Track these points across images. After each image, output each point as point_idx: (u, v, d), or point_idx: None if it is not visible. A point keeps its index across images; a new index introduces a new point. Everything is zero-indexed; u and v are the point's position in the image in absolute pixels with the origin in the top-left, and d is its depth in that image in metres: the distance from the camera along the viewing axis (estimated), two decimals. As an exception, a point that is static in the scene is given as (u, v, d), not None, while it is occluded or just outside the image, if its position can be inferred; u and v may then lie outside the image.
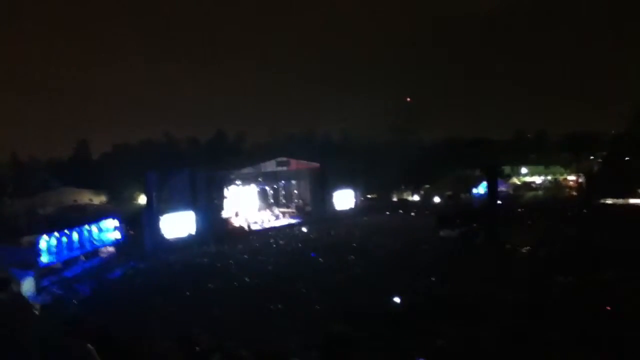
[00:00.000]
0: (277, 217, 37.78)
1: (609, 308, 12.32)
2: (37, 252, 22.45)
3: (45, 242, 23.06)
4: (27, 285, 20.20)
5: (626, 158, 44.91)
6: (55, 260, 23.68)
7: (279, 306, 15.98)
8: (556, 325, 11.41)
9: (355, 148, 50.07)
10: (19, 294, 19.35)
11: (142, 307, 17.06)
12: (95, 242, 26.77)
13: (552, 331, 11.05)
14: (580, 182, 48.45)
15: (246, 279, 20.43)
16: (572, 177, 51.23)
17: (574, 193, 46.68)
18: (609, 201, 38.17)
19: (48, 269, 23.16)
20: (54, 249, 23.60)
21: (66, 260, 24.51)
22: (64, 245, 24.32)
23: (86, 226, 26.40)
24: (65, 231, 24.60)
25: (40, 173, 49.05)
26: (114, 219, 28.70)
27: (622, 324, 10.97)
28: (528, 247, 22.56)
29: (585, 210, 33.97)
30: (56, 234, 23.90)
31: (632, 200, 37.66)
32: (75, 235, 25.23)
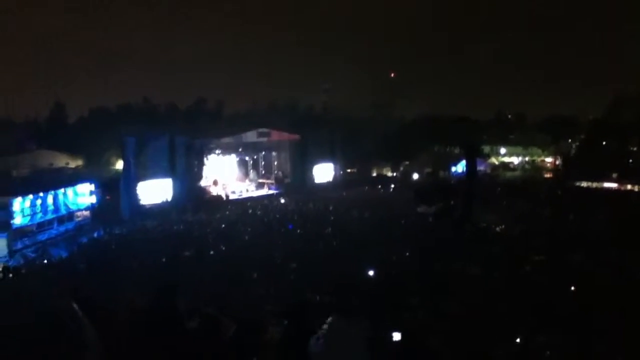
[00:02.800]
0: (256, 188, 37.71)
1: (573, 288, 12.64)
2: (11, 214, 22.14)
3: (19, 203, 22.73)
4: (0, 247, 20.01)
5: (603, 142, 45.70)
6: (28, 223, 23.39)
7: (254, 275, 16.03)
8: (523, 301, 11.70)
9: (337, 120, 49.87)
10: None
11: (117, 271, 16.95)
12: (70, 206, 26.45)
13: (518, 306, 11.34)
14: (557, 164, 49.24)
15: (222, 247, 20.43)
16: (549, 159, 52.00)
17: (550, 175, 47.45)
18: (584, 184, 38.89)
19: (21, 231, 22.90)
20: (28, 211, 23.29)
21: (40, 223, 24.23)
22: (38, 207, 24.00)
23: (61, 189, 26.05)
24: (40, 194, 24.25)
25: (15, 134, 47.89)
26: (90, 183, 28.35)
27: (583, 303, 11.32)
28: (502, 226, 22.94)
29: (560, 192, 34.56)
30: (30, 196, 23.56)
31: (606, 184, 38.43)
32: (49, 198, 24.89)
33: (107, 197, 30.20)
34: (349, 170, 45.78)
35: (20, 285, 16.45)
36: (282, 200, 33.57)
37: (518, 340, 9.32)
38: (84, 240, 23.75)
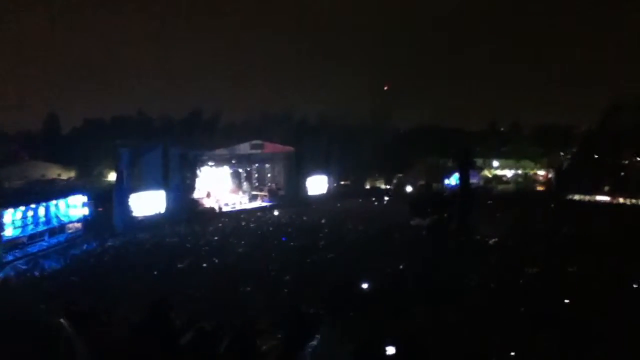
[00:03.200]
0: (249, 200, 37.61)
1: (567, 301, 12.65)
2: (1, 226, 21.91)
3: (10, 215, 22.51)
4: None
5: (595, 155, 45.92)
6: (19, 235, 23.17)
7: (248, 288, 15.93)
8: (520, 307, 11.76)
9: (331, 130, 49.86)
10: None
11: (109, 284, 16.80)
12: (62, 218, 26.23)
13: (516, 312, 11.40)
14: (550, 177, 49.41)
15: (215, 260, 20.31)
16: (541, 172, 52.19)
17: (543, 188, 47.61)
18: (577, 197, 39.03)
19: (12, 243, 22.66)
20: (19, 223, 23.07)
21: (31, 234, 24.00)
22: (30, 219, 23.79)
23: (53, 201, 25.84)
24: (31, 205, 24.05)
25: (8, 145, 47.71)
26: (82, 194, 28.15)
27: (580, 310, 11.38)
28: (496, 239, 22.94)
29: (552, 205, 34.67)
30: (22, 207, 23.36)
31: (599, 197, 38.57)
32: (41, 210, 24.68)
33: (100, 209, 29.98)
34: (342, 182, 45.79)
35: (9, 298, 16.26)
36: (276, 213, 33.48)
37: (516, 344, 9.32)
38: (76, 252, 23.53)
